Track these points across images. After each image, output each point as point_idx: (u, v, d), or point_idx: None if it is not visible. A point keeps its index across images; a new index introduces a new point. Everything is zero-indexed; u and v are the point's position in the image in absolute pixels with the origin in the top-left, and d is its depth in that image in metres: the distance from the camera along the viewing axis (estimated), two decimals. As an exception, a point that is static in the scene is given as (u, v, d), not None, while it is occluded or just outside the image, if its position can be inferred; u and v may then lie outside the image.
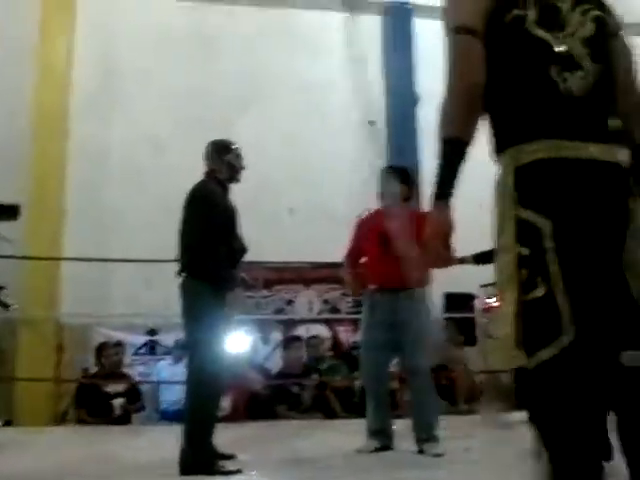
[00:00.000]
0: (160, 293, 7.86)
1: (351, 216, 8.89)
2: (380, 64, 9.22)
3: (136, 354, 7.91)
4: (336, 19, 9.30)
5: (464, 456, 3.56)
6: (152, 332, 8.15)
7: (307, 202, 8.74)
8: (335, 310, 8.75)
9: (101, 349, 6.25)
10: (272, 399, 5.81)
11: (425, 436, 3.66)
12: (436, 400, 3.85)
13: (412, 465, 3.37)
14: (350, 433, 4.05)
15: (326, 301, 8.77)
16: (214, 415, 3.23)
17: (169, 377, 7.17)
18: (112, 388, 5.94)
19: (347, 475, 3.14)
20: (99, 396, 5.88)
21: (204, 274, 3.23)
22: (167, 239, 7.84)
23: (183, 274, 3.32)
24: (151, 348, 8.19)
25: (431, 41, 9.51)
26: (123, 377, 6.39)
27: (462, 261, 5.15)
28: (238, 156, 3.57)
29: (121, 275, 8.02)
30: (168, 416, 6.81)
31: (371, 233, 4.02)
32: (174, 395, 7.15)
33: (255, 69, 8.94)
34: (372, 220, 4.09)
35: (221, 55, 8.96)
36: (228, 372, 3.42)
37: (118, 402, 5.85)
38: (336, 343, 8.34)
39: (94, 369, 7.07)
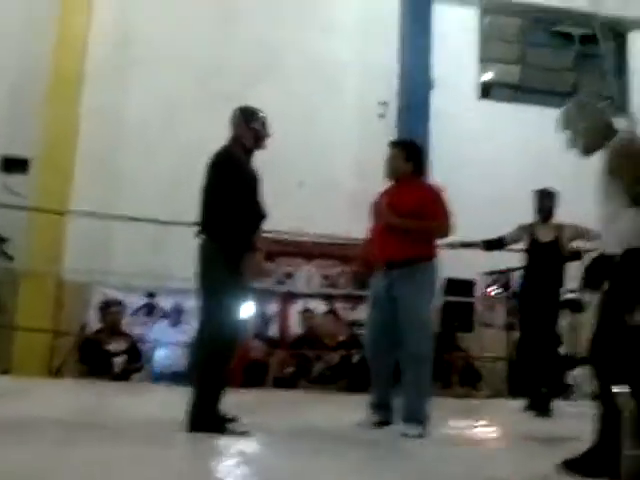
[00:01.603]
0: (161, 257, 7.99)
1: (360, 192, 9.08)
2: (397, 45, 9.19)
3: (134, 315, 7.97)
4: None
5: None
6: (151, 295, 8.22)
7: (317, 176, 8.76)
8: (334, 286, 8.82)
9: (105, 306, 6.29)
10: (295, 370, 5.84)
11: (408, 417, 3.62)
12: (427, 384, 3.69)
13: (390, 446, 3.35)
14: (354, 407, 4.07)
15: (326, 276, 8.84)
16: (224, 377, 3.28)
17: (167, 339, 7.28)
18: (113, 346, 6.00)
19: (340, 446, 3.20)
20: (100, 353, 5.95)
21: (223, 237, 3.26)
22: (174, 204, 8.02)
23: (202, 236, 3.35)
24: (149, 310, 8.27)
25: (448, 28, 9.65)
26: (124, 335, 6.45)
27: (471, 245, 5.21)
28: (264, 124, 3.58)
29: (125, 236, 8.07)
30: (162, 377, 6.92)
31: (374, 210, 4.03)
32: (169, 357, 7.28)
33: (272, 41, 8.92)
34: (378, 198, 4.08)
35: (236, 26, 8.93)
36: (239, 336, 3.46)
37: (119, 360, 5.91)
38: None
39: (93, 326, 7.18)
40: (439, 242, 4.01)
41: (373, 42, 9.15)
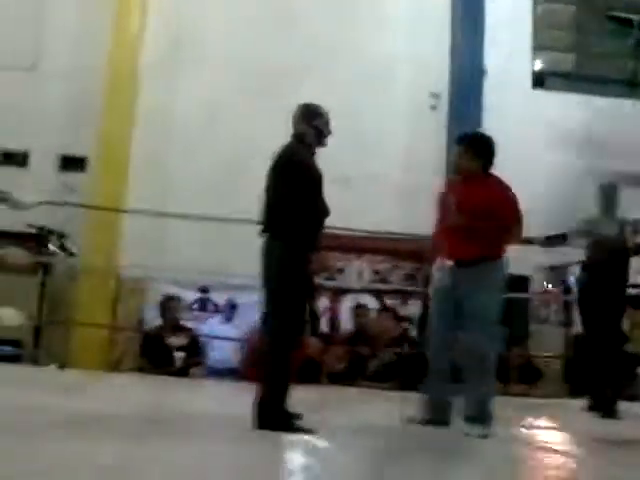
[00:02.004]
0: (214, 253, 8.06)
1: (408, 187, 9.02)
2: (449, 36, 9.05)
3: (188, 310, 8.07)
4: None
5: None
6: (204, 290, 8.31)
7: (364, 171, 8.71)
8: (385, 281, 8.77)
9: (165, 302, 6.38)
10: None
11: (471, 416, 3.58)
12: (490, 384, 3.63)
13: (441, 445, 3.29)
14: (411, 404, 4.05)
15: (377, 272, 8.79)
16: (291, 375, 3.30)
17: (220, 335, 7.37)
18: (174, 341, 6.09)
19: (407, 445, 3.17)
20: (161, 347, 6.04)
21: (290, 236, 3.26)
22: (226, 201, 8.08)
23: (267, 235, 3.35)
24: (202, 305, 8.37)
25: (500, 16, 9.44)
26: (185, 330, 6.53)
27: (531, 242, 5.10)
28: (326, 122, 3.55)
29: (178, 233, 8.17)
30: (215, 372, 7.00)
31: (440, 206, 3.96)
32: (223, 352, 7.36)
33: (318, 36, 8.88)
34: (443, 193, 4.02)
35: (285, 22, 8.91)
36: (304, 333, 3.47)
37: (179, 355, 5.99)
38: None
39: (150, 321, 7.31)
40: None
41: (424, 33, 9.03)
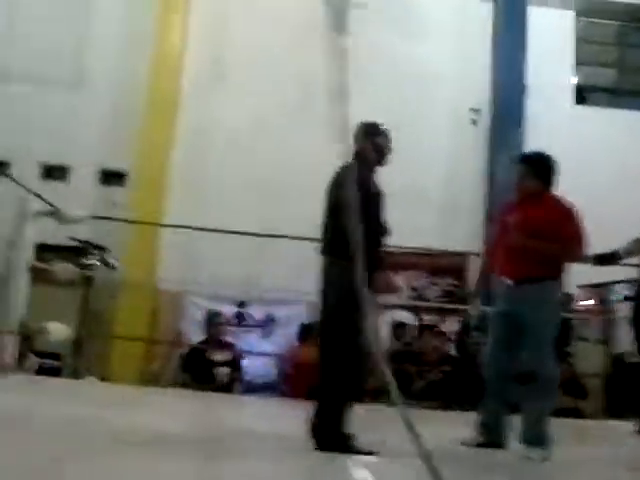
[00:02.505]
0: (252, 268, 8.05)
1: (447, 203, 8.94)
2: (490, 51, 9.00)
3: (223, 324, 8.05)
4: (447, 1, 9.13)
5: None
6: (241, 304, 8.30)
7: (403, 186, 8.64)
8: (422, 298, 8.68)
9: (211, 317, 6.39)
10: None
11: (530, 439, 3.51)
12: (549, 407, 3.53)
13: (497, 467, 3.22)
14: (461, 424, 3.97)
15: (414, 288, 8.70)
16: (351, 395, 3.24)
17: (257, 350, 7.33)
18: (218, 357, 6.07)
19: (466, 469, 3.09)
20: (205, 362, 6.02)
21: (351, 256, 3.21)
22: (265, 216, 8.08)
23: (327, 255, 3.31)
24: (239, 319, 8.35)
25: (542, 31, 9.36)
26: (228, 346, 6.53)
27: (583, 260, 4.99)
28: (387, 139, 3.51)
29: (215, 247, 8.17)
30: (254, 388, 6.95)
31: (499, 225, 3.92)
32: (260, 368, 7.31)
33: (360, 49, 8.86)
34: (503, 212, 3.98)
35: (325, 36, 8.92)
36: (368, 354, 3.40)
37: (223, 371, 5.97)
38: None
39: (189, 334, 7.33)
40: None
41: (466, 49, 9.00)
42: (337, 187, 3.36)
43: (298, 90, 8.69)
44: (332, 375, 3.17)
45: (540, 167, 3.77)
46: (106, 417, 3.61)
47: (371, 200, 3.30)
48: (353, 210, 3.20)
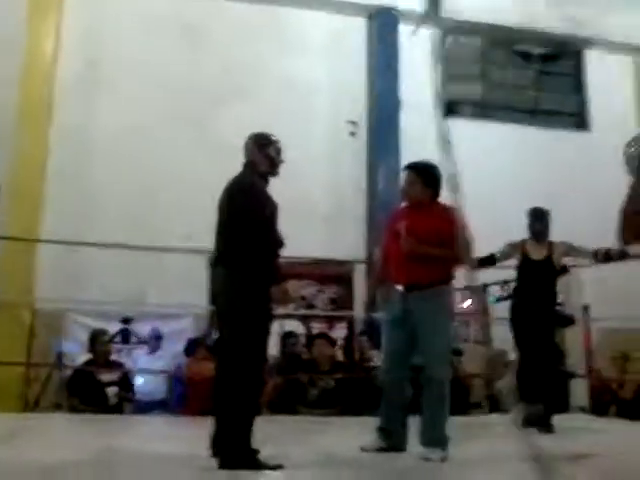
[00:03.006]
0: (135, 282, 7.82)
1: (330, 212, 9.13)
2: (364, 66, 9.32)
3: (110, 342, 7.76)
4: (324, 19, 9.36)
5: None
6: (126, 321, 8.04)
7: (288, 198, 8.70)
8: (311, 306, 8.80)
9: (96, 336, 6.10)
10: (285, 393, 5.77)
11: (428, 441, 3.61)
12: (446, 409, 3.68)
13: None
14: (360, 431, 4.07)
15: (303, 297, 8.81)
16: (255, 410, 3.23)
17: (145, 367, 7.11)
18: (106, 377, 5.82)
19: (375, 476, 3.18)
20: (93, 384, 5.76)
21: (248, 267, 3.20)
22: (146, 228, 7.88)
23: (221, 266, 3.28)
24: (124, 337, 8.08)
25: (413, 50, 9.81)
26: (116, 365, 6.29)
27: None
28: (278, 150, 3.53)
29: (97, 262, 7.88)
30: (143, 407, 6.74)
31: (389, 232, 4.03)
32: (150, 386, 7.09)
33: (239, 62, 8.91)
34: (392, 219, 4.09)
35: (206, 46, 8.90)
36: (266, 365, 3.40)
37: (112, 391, 5.73)
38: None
39: (72, 356, 6.99)
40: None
41: (342, 62, 9.26)
42: (231, 198, 3.36)
43: (180, 98, 8.57)
44: (234, 390, 3.15)
45: (429, 176, 3.88)
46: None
47: (269, 210, 3.33)
48: (253, 221, 3.25)
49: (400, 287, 3.85)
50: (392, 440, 3.81)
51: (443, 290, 3.82)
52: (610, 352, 7.21)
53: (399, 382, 3.85)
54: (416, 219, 3.85)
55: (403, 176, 4.03)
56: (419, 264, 3.76)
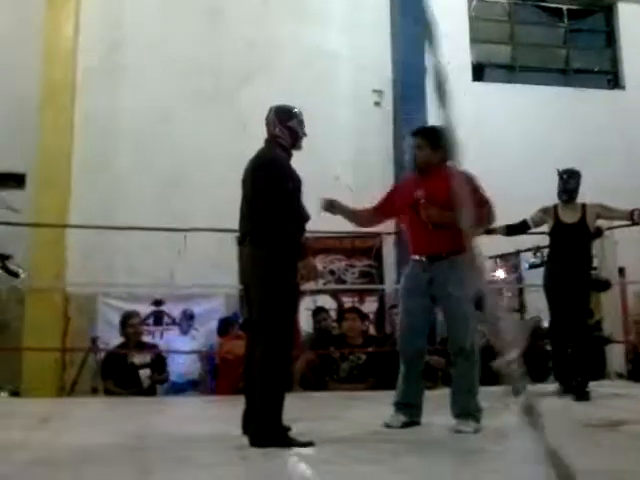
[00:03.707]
0: (165, 263, 7.83)
1: (357, 185, 8.99)
2: (389, 35, 9.10)
3: (142, 324, 7.81)
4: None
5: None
6: (158, 303, 8.07)
7: (313, 171, 8.61)
8: (341, 281, 8.73)
9: (126, 319, 6.12)
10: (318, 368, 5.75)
11: (461, 413, 3.51)
12: (476, 379, 3.59)
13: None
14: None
15: (332, 272, 8.74)
16: (285, 386, 3.19)
17: (178, 348, 7.15)
18: (138, 359, 5.84)
19: (406, 449, 3.10)
20: (126, 367, 5.79)
21: (275, 244, 3.13)
22: (173, 208, 7.87)
23: (248, 243, 3.21)
24: (156, 318, 8.12)
25: (437, 11, 9.49)
26: (148, 347, 6.31)
27: (493, 231, 5.13)
28: (301, 122, 3.43)
29: (126, 245, 7.91)
30: (177, 388, 6.78)
31: (403, 199, 3.84)
32: (182, 366, 7.14)
33: (261, 38, 8.78)
34: (402, 189, 3.94)
35: (226, 23, 8.77)
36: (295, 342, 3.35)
37: (145, 373, 5.76)
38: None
39: (105, 338, 7.06)
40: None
41: (364, 32, 9.06)
42: (254, 173, 3.28)
43: (203, 79, 8.50)
44: (263, 367, 3.10)
45: (435, 138, 3.71)
46: (21, 437, 3.39)
47: (294, 184, 3.25)
48: (275, 196, 3.17)
49: (422, 257, 3.73)
50: (411, 414, 3.71)
51: (463, 259, 3.67)
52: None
53: (419, 354, 3.75)
54: (432, 186, 3.69)
55: (409, 143, 3.88)
56: (441, 233, 3.63)
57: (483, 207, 3.64)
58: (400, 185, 4.01)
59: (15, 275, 6.32)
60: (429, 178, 3.75)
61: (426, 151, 3.76)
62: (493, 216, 3.76)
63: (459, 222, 3.49)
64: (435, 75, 0.81)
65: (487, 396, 3.73)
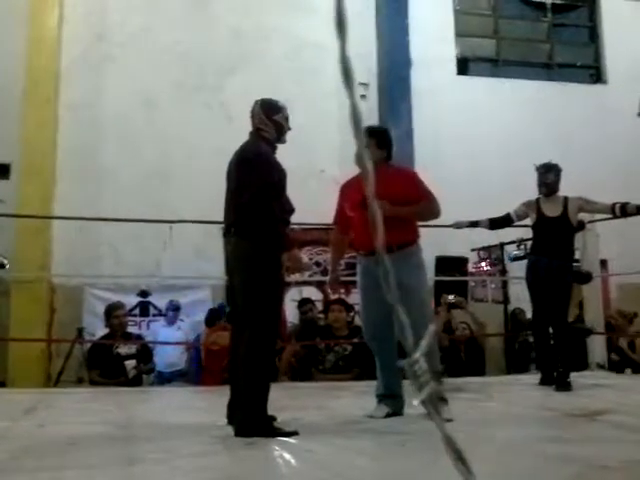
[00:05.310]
0: (151, 254, 7.84)
1: (342, 177, 9.00)
2: (373, 25, 9.12)
3: (128, 315, 7.82)
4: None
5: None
6: (144, 294, 8.09)
7: (298, 163, 8.64)
8: (327, 272, 8.75)
9: (111, 310, 6.14)
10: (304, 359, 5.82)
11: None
12: (438, 364, 3.71)
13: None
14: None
15: (318, 263, 8.79)
16: (270, 377, 3.23)
17: (164, 339, 7.17)
18: (124, 350, 5.87)
19: (393, 439, 3.16)
20: (111, 357, 5.82)
21: (260, 236, 3.17)
22: (158, 199, 7.87)
23: (235, 236, 3.24)
24: (142, 309, 8.14)
25: (424, 6, 9.57)
26: (134, 338, 6.34)
27: (477, 225, 5.24)
28: (286, 117, 3.47)
29: (112, 236, 7.91)
30: (162, 378, 6.82)
31: (350, 199, 3.87)
32: (168, 357, 7.17)
33: (247, 28, 8.78)
34: (351, 186, 4.00)
35: (212, 13, 8.76)
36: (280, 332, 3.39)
37: (131, 364, 5.78)
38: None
39: (91, 329, 7.07)
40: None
41: (350, 23, 9.03)
42: (239, 165, 3.31)
43: (189, 69, 8.49)
44: (248, 357, 3.14)
45: (381, 137, 3.85)
46: (6, 426, 3.40)
47: (279, 176, 3.29)
48: (260, 188, 3.21)
49: (373, 252, 3.77)
50: (393, 404, 3.78)
51: (416, 249, 3.81)
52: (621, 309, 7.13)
53: (386, 344, 3.77)
54: (380, 183, 3.73)
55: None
56: (389, 228, 3.67)
57: (427, 200, 3.81)
58: (344, 187, 4.06)
59: (1, 266, 6.32)
60: (376, 175, 3.79)
61: (371, 149, 3.78)
62: (437, 208, 3.87)
63: (416, 213, 3.68)
64: (352, 114, 0.85)
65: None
